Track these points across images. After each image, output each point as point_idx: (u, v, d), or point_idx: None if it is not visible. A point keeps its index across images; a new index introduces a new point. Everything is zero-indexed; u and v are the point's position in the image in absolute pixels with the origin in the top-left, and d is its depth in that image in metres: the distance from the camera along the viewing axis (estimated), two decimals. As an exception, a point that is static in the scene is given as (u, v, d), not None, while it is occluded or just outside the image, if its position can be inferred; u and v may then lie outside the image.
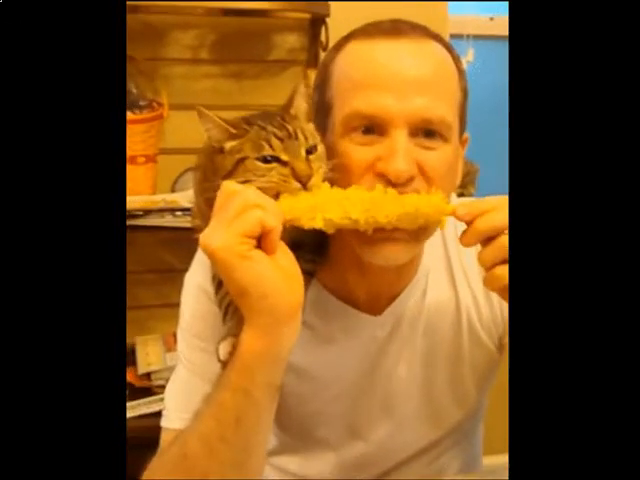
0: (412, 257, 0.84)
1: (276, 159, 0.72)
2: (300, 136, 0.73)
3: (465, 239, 0.72)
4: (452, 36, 1.90)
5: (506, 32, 2.23)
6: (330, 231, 0.72)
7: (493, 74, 2.10)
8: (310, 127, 0.76)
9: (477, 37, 2.01)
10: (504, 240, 0.69)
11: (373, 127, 0.77)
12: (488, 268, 0.71)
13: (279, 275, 0.68)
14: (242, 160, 0.72)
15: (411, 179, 0.75)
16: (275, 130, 0.73)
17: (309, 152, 0.73)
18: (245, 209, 0.66)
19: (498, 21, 2.13)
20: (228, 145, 0.74)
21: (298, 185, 0.72)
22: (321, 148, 0.75)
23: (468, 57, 1.92)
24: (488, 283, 0.72)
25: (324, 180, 0.74)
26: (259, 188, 0.70)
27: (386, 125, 0.76)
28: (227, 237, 0.65)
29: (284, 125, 0.74)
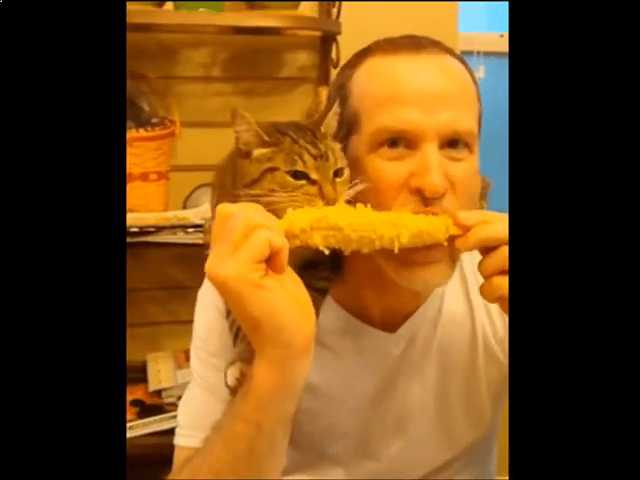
0: (449, 278, 0.81)
1: (306, 176, 0.71)
2: (330, 157, 0.73)
3: (462, 242, 0.71)
4: (462, 53, 1.90)
5: (517, 49, 2.20)
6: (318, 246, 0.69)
7: (503, 90, 2.10)
8: (337, 148, 0.76)
9: (487, 54, 2.02)
10: (506, 251, 0.69)
11: (399, 140, 0.76)
12: (486, 277, 0.71)
13: (293, 305, 0.66)
14: (271, 170, 0.72)
15: (445, 193, 0.75)
16: (308, 146, 0.72)
17: (336, 174, 0.73)
18: (250, 231, 0.63)
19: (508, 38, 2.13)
20: (258, 152, 0.73)
21: (322, 206, 0.71)
22: (347, 172, 0.75)
23: (479, 73, 1.92)
24: (484, 292, 0.72)
25: (355, 198, 0.73)
26: (279, 202, 0.69)
27: (416, 139, 0.75)
28: (237, 264, 0.62)
29: (316, 143, 0.73)
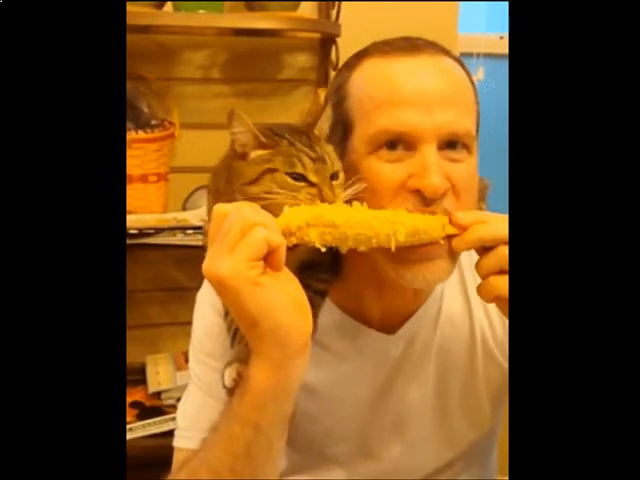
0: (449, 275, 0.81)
1: (305, 179, 0.71)
2: (327, 160, 0.73)
3: (458, 242, 0.72)
4: (462, 54, 1.90)
5: (516, 50, 2.19)
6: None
7: (503, 91, 2.10)
8: (331, 150, 0.76)
9: (487, 55, 2.02)
10: (503, 251, 0.69)
11: (398, 142, 0.76)
12: (483, 277, 0.71)
13: (290, 304, 0.66)
14: (271, 171, 0.71)
15: (444, 194, 0.75)
16: (306, 149, 0.73)
17: (332, 177, 0.73)
18: (247, 229, 0.63)
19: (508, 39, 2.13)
20: (255, 153, 0.73)
21: None
22: (342, 175, 0.75)
23: (478, 75, 1.92)
24: (481, 292, 0.72)
25: (352, 199, 0.73)
26: (279, 201, 0.69)
27: (414, 141, 0.75)
28: (234, 262, 0.62)
29: (312, 146, 0.74)
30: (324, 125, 0.78)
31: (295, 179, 0.71)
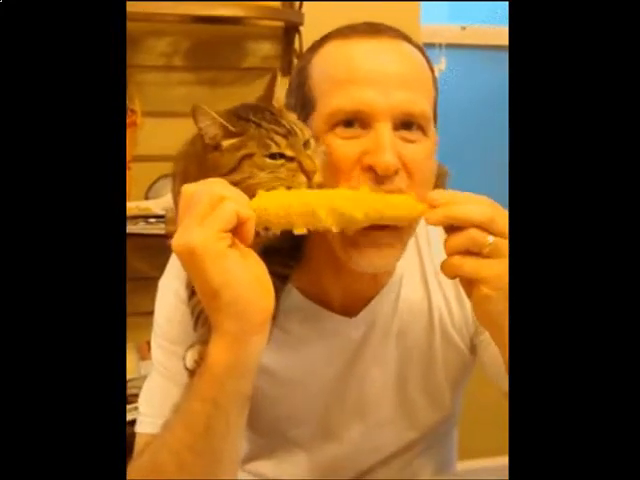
0: (396, 261, 0.83)
1: (282, 155, 0.72)
2: (297, 131, 0.74)
3: (430, 215, 0.71)
4: (424, 45, 1.92)
5: (477, 41, 2.26)
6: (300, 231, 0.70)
7: (465, 82, 2.13)
8: (294, 118, 0.77)
9: (449, 46, 2.04)
10: (473, 233, 0.69)
11: (355, 120, 0.77)
12: (449, 254, 0.71)
13: (252, 280, 0.67)
14: (248, 156, 0.72)
15: (396, 172, 0.76)
16: (274, 127, 0.74)
17: (305, 147, 0.74)
18: (216, 202, 0.65)
19: (470, 30, 2.16)
20: (226, 143, 0.74)
21: (305, 180, 0.72)
22: (313, 142, 0.76)
23: (440, 66, 1.94)
24: (444, 268, 0.72)
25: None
26: (263, 183, 0.70)
27: (370, 119, 0.77)
28: (204, 233, 0.64)
29: (278, 121, 0.74)
30: (280, 94, 0.79)
31: (273, 158, 0.72)
